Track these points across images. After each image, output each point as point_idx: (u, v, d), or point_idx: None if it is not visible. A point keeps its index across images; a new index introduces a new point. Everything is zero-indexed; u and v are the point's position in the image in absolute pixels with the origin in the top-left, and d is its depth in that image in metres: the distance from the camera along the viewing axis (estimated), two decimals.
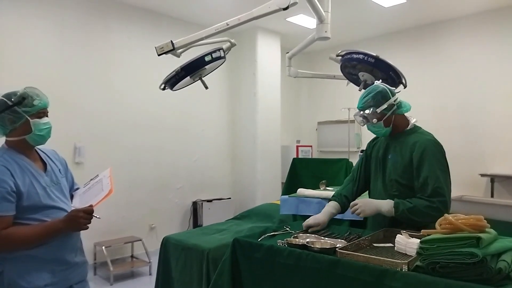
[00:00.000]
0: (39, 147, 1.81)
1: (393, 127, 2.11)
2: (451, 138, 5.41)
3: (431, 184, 1.92)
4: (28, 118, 1.66)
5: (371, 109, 2.06)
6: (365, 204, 2.03)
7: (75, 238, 1.79)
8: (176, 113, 5.52)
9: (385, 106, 2.04)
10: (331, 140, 7.07)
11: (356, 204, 2.05)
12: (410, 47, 6.16)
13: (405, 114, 2.14)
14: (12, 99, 1.64)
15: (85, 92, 4.62)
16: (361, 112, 2.12)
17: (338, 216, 2.76)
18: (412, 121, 2.14)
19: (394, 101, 2.06)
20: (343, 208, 2.24)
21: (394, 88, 2.16)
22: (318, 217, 2.15)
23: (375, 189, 2.22)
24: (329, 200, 2.32)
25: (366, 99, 2.09)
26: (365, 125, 2.14)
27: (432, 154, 1.97)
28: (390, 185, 2.10)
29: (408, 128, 2.12)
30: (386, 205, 1.99)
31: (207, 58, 2.57)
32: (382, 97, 2.06)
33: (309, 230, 2.09)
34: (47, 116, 1.74)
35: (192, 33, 2.52)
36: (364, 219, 2.62)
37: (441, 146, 2.04)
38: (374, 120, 2.06)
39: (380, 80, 2.28)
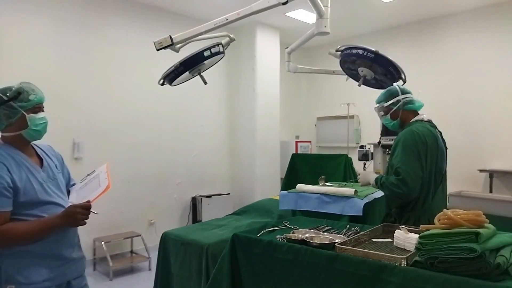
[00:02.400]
0: (35, 142, 1.80)
1: (401, 121, 2.37)
2: (450, 134, 5.34)
3: (396, 165, 2.16)
4: (24, 113, 1.65)
5: (381, 103, 2.41)
6: (363, 176, 2.51)
7: (72, 234, 1.78)
8: (175, 109, 5.50)
9: (392, 101, 2.35)
10: (330, 136, 7.06)
11: (359, 174, 2.55)
12: (409, 42, 6.14)
13: (419, 111, 2.38)
14: (8, 94, 1.63)
15: (83, 88, 4.60)
16: (375, 106, 2.46)
17: (337, 212, 2.79)
18: (417, 117, 2.35)
19: (403, 98, 2.33)
20: None
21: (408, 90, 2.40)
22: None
23: None
24: None
25: (379, 95, 2.44)
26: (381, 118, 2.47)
27: (403, 140, 2.19)
28: (390, 171, 2.31)
29: (409, 122, 2.34)
30: (373, 178, 2.35)
31: (206, 53, 2.56)
32: (391, 94, 2.38)
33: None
34: (43, 111, 1.73)
35: (191, 28, 2.51)
36: (363, 214, 2.64)
37: (417, 135, 2.18)
38: (381, 113, 2.42)
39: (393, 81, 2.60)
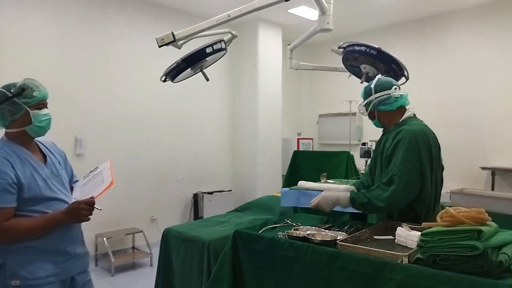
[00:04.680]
0: (38, 139, 1.81)
1: (386, 122, 2.16)
2: (452, 132, 5.39)
3: (391, 171, 1.94)
4: (28, 109, 1.66)
5: (361, 102, 2.23)
6: (324, 200, 2.06)
7: (76, 230, 1.79)
8: (177, 105, 5.50)
9: (366, 101, 2.17)
10: (332, 133, 7.05)
11: (316, 200, 2.08)
12: (411, 39, 6.12)
13: (407, 107, 2.15)
14: (12, 90, 1.64)
15: (85, 84, 4.61)
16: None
17: (339, 209, 2.79)
18: (407, 114, 2.14)
19: (375, 98, 2.12)
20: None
21: (393, 86, 2.14)
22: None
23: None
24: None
25: (361, 92, 2.23)
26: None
27: (404, 143, 1.95)
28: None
29: (400, 121, 2.13)
30: (343, 199, 2.02)
31: (208, 50, 2.56)
32: (365, 93, 2.19)
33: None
34: (46, 108, 1.74)
35: (193, 24, 2.51)
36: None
37: (421, 137, 1.97)
38: (362, 112, 2.21)
39: (381, 75, 2.30)
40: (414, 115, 2.15)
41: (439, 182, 2.06)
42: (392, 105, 2.10)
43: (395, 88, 2.11)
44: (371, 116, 2.18)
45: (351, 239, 1.71)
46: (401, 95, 2.11)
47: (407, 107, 2.15)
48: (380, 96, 2.11)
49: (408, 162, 1.92)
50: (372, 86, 2.15)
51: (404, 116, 2.12)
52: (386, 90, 2.11)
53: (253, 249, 1.94)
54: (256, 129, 5.99)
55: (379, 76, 2.23)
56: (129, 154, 4.98)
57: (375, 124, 2.22)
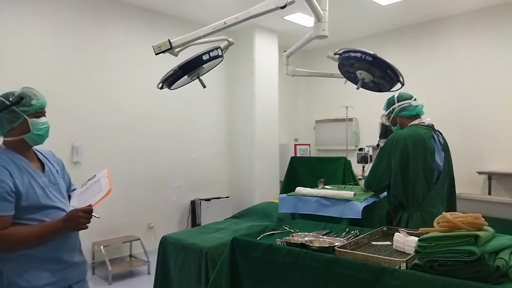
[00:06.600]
0: (36, 147, 1.81)
1: (400, 126, 2.61)
2: (448, 136, 5.34)
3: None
4: (26, 117, 1.66)
5: (384, 112, 2.71)
6: None
7: (74, 238, 1.79)
8: (173, 112, 5.51)
9: (390, 109, 2.65)
10: (329, 139, 7.07)
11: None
12: (407, 45, 6.16)
13: (421, 116, 2.62)
14: (10, 99, 1.65)
15: (81, 92, 4.61)
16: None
17: (336, 215, 2.79)
18: (415, 121, 2.55)
19: (398, 106, 2.58)
20: None
21: (412, 97, 2.63)
22: None
23: None
24: None
25: (384, 104, 2.73)
26: None
27: (384, 144, 2.53)
28: None
29: (407, 126, 2.56)
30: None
31: (205, 57, 2.56)
32: (389, 103, 2.67)
33: None
34: (44, 116, 1.74)
35: (189, 32, 2.52)
36: (362, 217, 2.66)
37: (397, 138, 2.44)
38: (384, 119, 2.73)
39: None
40: (431, 125, 2.56)
41: (429, 174, 2.40)
42: (412, 111, 2.57)
43: (414, 99, 2.60)
44: (393, 122, 2.63)
45: (349, 245, 1.72)
46: (419, 104, 2.59)
47: (422, 117, 2.60)
48: (403, 104, 2.58)
49: (377, 158, 2.55)
50: (396, 96, 2.63)
51: (412, 122, 2.54)
52: (406, 100, 2.59)
53: (251, 256, 1.94)
54: (253, 135, 6.00)
55: (400, 91, 2.70)
56: (126, 161, 4.97)
57: (395, 129, 2.64)
